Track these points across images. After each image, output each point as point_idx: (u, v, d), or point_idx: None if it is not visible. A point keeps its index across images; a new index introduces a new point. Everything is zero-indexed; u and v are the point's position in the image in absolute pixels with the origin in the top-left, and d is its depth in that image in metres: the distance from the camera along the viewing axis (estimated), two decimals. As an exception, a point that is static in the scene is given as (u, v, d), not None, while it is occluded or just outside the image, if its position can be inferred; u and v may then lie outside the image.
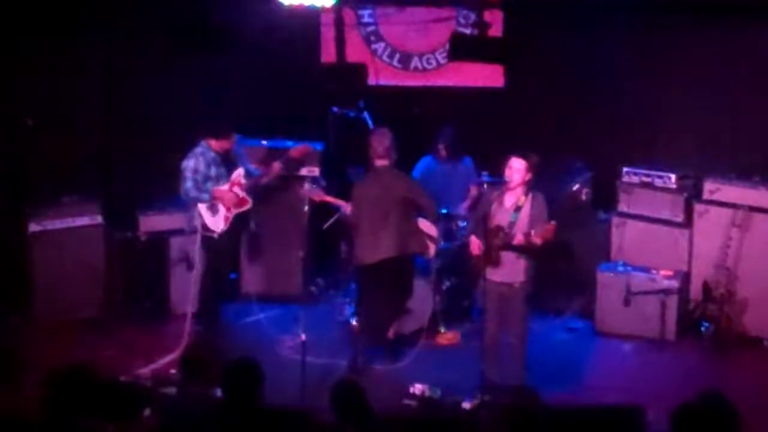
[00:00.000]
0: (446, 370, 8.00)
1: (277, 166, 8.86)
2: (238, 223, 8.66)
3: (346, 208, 8.27)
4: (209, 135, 8.47)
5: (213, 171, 8.47)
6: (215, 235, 8.47)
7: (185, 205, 8.64)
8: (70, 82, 9.48)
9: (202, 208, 8.44)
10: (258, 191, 9.17)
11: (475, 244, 7.42)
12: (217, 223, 8.48)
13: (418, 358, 8.38)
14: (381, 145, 8.08)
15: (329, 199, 8.53)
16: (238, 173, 8.57)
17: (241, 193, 8.56)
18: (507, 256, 7.39)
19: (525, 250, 7.32)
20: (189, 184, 8.38)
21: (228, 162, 8.60)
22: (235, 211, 8.53)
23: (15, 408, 6.66)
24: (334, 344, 8.45)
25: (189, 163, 8.40)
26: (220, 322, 8.93)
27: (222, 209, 8.49)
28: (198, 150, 8.45)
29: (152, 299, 9.26)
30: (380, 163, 8.10)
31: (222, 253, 8.66)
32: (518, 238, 7.23)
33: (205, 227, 8.44)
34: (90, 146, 9.70)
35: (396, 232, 8.00)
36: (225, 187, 8.49)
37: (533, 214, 7.34)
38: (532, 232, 7.16)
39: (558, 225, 7.25)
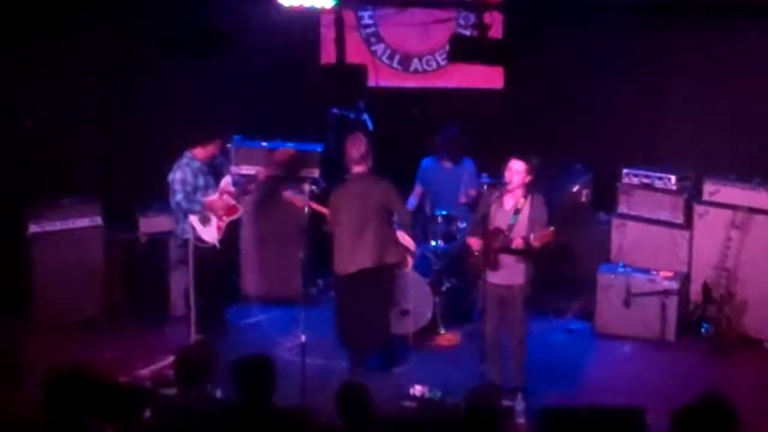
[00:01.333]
0: (446, 372, 8.00)
1: (261, 171, 8.79)
2: (231, 230, 8.60)
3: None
4: (195, 143, 8.37)
5: (201, 181, 8.38)
6: (210, 246, 8.39)
7: (173, 215, 8.55)
8: (70, 82, 9.48)
9: (194, 219, 8.33)
10: (258, 194, 9.20)
11: (475, 241, 7.40)
12: (211, 233, 8.39)
13: (418, 359, 8.39)
14: (357, 150, 7.92)
15: (314, 206, 8.21)
16: (226, 181, 8.49)
17: (231, 201, 8.49)
18: (506, 259, 7.38)
19: (524, 253, 7.32)
20: (180, 196, 8.27)
21: (213, 170, 8.52)
22: (227, 219, 8.46)
23: (15, 409, 6.65)
24: (333, 346, 8.42)
25: (176, 176, 8.30)
26: (223, 324, 8.95)
27: (214, 219, 8.39)
28: (183, 161, 8.35)
29: (152, 300, 9.26)
30: (357, 169, 7.95)
31: (218, 261, 8.53)
32: (517, 242, 7.22)
33: (199, 239, 8.33)
34: (90, 147, 9.71)
35: (374, 241, 7.84)
36: (215, 196, 8.41)
37: (532, 217, 7.33)
38: (531, 236, 7.16)
39: (558, 226, 7.24)
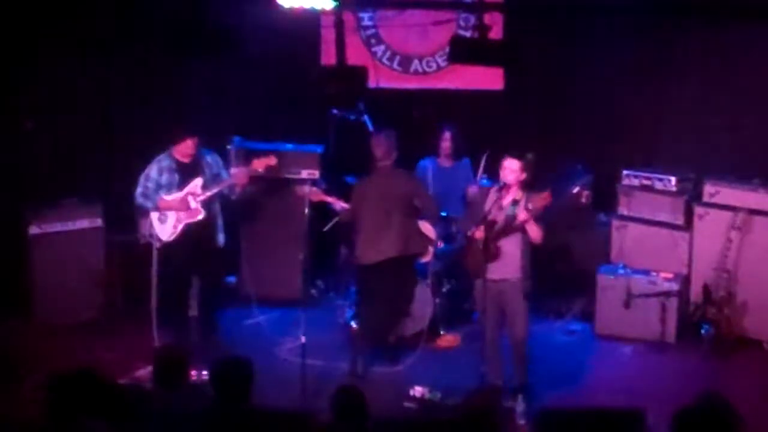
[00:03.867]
0: (446, 373, 8.00)
1: (236, 177, 8.57)
2: (195, 234, 8.41)
3: (345, 207, 8.30)
4: (167, 141, 8.39)
5: (164, 179, 8.36)
6: (160, 244, 8.35)
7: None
8: (70, 83, 9.48)
9: (153, 216, 8.38)
10: (258, 195, 9.18)
11: (478, 231, 7.35)
12: (164, 231, 8.38)
13: (419, 360, 8.38)
14: (380, 149, 8.15)
15: (328, 198, 8.46)
16: (195, 184, 8.40)
17: (194, 204, 8.38)
18: (504, 248, 7.34)
19: (523, 230, 7.29)
20: (138, 190, 8.35)
21: (190, 171, 8.41)
22: (185, 221, 8.40)
23: (15, 410, 6.66)
24: (333, 347, 8.45)
25: (145, 170, 8.38)
26: (217, 326, 8.91)
27: (171, 219, 8.38)
28: (159, 157, 8.40)
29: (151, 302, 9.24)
30: (382, 163, 8.17)
31: (175, 261, 8.42)
32: (522, 216, 7.19)
33: (154, 236, 8.36)
34: (90, 148, 9.71)
35: (398, 232, 8.04)
36: (175, 196, 8.36)
37: (528, 199, 7.32)
38: (529, 205, 7.17)
39: (558, 227, 7.24)
